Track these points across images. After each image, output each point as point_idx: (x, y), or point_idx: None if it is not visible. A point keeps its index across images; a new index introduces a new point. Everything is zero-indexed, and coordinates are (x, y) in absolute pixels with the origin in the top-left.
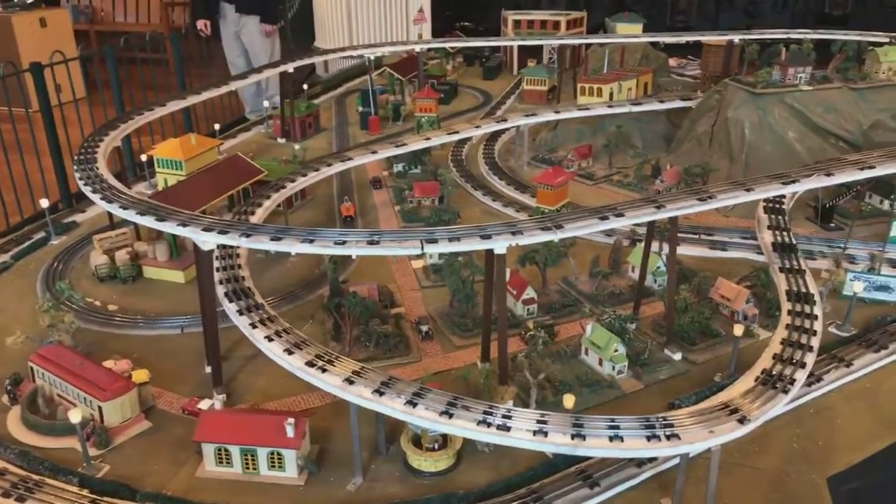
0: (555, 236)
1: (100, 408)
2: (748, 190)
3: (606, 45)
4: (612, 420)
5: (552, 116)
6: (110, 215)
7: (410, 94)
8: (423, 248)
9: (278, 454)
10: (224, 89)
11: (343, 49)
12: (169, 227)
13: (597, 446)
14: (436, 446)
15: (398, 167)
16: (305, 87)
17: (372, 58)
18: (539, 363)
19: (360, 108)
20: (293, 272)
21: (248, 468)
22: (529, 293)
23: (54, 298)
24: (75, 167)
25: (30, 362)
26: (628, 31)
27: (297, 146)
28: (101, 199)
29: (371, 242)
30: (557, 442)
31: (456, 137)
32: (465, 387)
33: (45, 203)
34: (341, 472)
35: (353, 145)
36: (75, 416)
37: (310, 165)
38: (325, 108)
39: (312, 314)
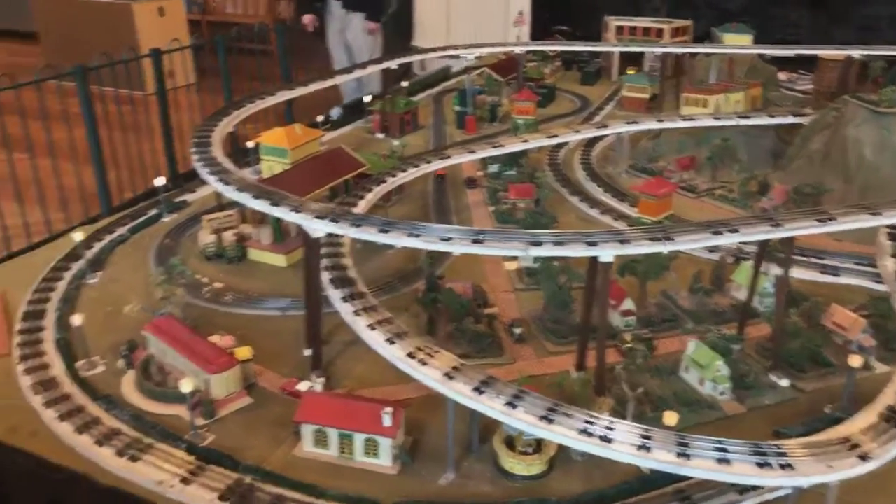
0: (664, 248)
1: (207, 380)
2: (874, 214)
3: (713, 55)
4: (721, 442)
5: (654, 125)
6: (219, 197)
7: (508, 96)
8: (526, 250)
9: (374, 441)
10: (329, 82)
11: (443, 48)
12: (282, 213)
13: (702, 467)
14: (530, 450)
15: (493, 168)
16: (404, 84)
17: (470, 58)
18: (638, 377)
19: (457, 108)
20: (390, 264)
21: (343, 452)
22: (628, 304)
23: (167, 273)
24: (193, 150)
25: (144, 331)
26: (736, 42)
27: (395, 142)
28: (218, 181)
29: (475, 241)
30: (661, 459)
31: (554, 141)
32: (560, 394)
33: (160, 181)
34: (433, 465)
35: (450, 144)
36: (187, 386)
37: (409, 161)
38: (423, 106)
39: (407, 307)
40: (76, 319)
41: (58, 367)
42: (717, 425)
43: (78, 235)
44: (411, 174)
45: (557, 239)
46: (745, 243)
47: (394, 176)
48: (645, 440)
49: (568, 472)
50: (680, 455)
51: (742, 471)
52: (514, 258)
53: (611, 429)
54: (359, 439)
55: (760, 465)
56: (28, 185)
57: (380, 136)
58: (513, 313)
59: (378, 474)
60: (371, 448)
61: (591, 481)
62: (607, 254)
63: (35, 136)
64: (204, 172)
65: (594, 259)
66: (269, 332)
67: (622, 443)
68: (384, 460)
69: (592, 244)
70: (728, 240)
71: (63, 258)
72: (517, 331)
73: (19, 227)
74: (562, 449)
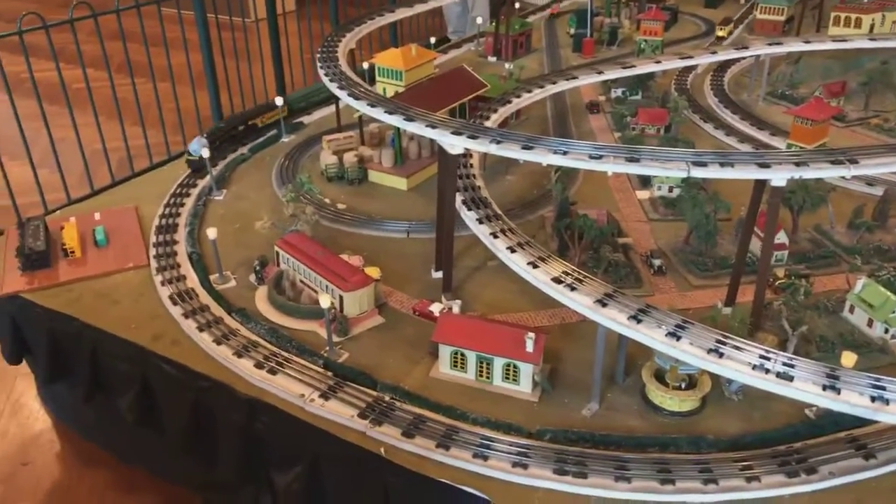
0: (847, 172)
1: (341, 297)
2: None
3: None
4: None
5: (801, 46)
6: (338, 117)
7: (627, 17)
8: (689, 171)
9: (514, 367)
10: (433, 4)
11: None
12: (416, 128)
13: None
14: (682, 385)
15: (616, 92)
16: (517, 4)
17: None
18: (800, 314)
19: (574, 30)
20: (512, 190)
21: (481, 376)
22: (781, 237)
23: (295, 190)
24: (319, 64)
25: (276, 247)
26: None
27: (507, 65)
28: (349, 95)
29: (630, 159)
30: (853, 402)
31: (689, 63)
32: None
33: (279, 101)
34: (574, 395)
35: (571, 66)
36: (325, 302)
37: (533, 82)
38: (535, 29)
39: (534, 234)
40: (211, 233)
41: (193, 280)
42: (888, 371)
43: (205, 152)
44: (537, 95)
45: (725, 159)
46: None
47: (518, 97)
48: (832, 380)
49: (722, 410)
50: (876, 399)
51: None
52: (648, 187)
53: (791, 365)
54: (498, 363)
55: None
56: (148, 108)
57: (492, 59)
58: (647, 244)
59: (517, 400)
60: (511, 373)
61: (749, 422)
62: (780, 177)
63: (155, 62)
64: (333, 87)
65: (761, 183)
66: (394, 253)
67: (805, 381)
68: (524, 386)
69: (764, 166)
70: None
71: (188, 175)
72: (657, 262)
73: (140, 147)
74: (716, 386)
